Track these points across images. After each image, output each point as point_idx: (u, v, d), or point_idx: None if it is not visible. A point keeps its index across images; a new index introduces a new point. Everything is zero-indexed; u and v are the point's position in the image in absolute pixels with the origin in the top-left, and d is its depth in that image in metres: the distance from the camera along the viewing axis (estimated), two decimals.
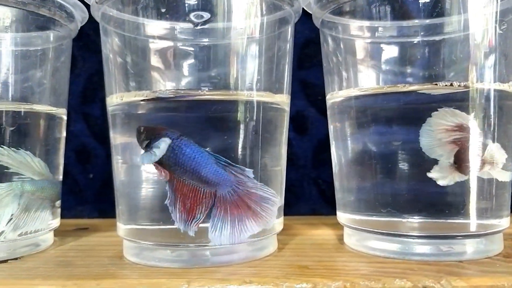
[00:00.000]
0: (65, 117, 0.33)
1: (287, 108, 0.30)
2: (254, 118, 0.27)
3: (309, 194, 0.46)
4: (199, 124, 0.27)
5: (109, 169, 0.45)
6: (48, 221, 0.31)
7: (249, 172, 0.27)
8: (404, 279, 0.24)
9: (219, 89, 0.28)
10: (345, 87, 0.31)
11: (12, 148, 0.29)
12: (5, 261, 0.29)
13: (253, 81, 0.28)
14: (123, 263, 0.29)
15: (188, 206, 0.27)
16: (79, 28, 0.34)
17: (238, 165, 0.26)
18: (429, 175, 0.28)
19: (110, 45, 0.30)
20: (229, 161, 0.26)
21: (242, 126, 0.27)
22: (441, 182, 0.27)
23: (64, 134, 0.34)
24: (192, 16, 0.27)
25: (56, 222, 0.33)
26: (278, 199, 0.28)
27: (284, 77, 0.29)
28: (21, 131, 0.30)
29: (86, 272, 0.27)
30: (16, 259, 0.30)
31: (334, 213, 0.33)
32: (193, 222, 0.27)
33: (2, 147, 0.28)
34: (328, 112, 0.33)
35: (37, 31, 0.31)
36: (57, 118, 0.32)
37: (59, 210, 0.33)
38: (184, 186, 0.27)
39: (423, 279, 0.24)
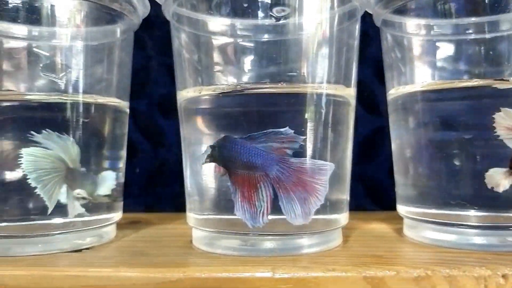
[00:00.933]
0: (128, 110, 0.34)
1: (354, 102, 0.31)
2: (325, 111, 0.28)
3: (355, 191, 0.47)
4: (274, 117, 0.28)
5: (155, 163, 0.46)
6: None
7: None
8: (483, 267, 0.25)
9: (294, 83, 0.28)
10: (408, 82, 0.32)
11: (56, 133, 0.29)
12: (79, 250, 0.30)
13: (328, 74, 0.28)
14: (197, 252, 0.29)
15: (246, 194, 0.27)
16: (140, 22, 0.34)
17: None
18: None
19: (184, 41, 0.30)
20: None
21: (314, 120, 0.28)
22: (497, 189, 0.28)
23: (127, 127, 0.34)
24: (274, 11, 0.27)
25: (118, 215, 0.33)
26: (328, 167, 0.27)
27: (352, 71, 0.30)
28: (90, 124, 0.30)
29: (166, 260, 0.27)
30: (87, 249, 0.30)
31: (379, 209, 0.34)
32: (258, 213, 0.27)
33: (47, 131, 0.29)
34: (390, 108, 0.34)
35: (106, 25, 0.32)
36: (122, 111, 0.33)
37: (121, 204, 0.34)
38: (238, 177, 0.28)
39: (501, 267, 0.25)
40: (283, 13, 0.27)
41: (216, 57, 0.30)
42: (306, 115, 0.28)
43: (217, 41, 0.30)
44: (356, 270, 0.25)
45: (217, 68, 0.30)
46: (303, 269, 0.25)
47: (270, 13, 0.27)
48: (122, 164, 0.33)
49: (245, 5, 0.28)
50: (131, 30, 0.33)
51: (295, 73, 0.28)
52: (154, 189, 0.47)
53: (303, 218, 0.27)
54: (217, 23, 0.30)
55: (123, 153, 0.33)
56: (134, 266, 0.26)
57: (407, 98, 0.32)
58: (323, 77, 0.28)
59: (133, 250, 0.30)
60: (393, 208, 0.34)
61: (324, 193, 0.27)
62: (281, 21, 0.28)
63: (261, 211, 0.27)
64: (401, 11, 0.33)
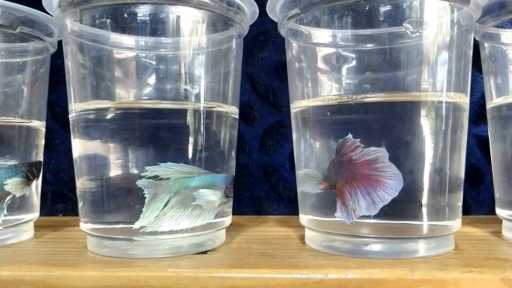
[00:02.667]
0: (237, 116, 0.35)
1: (467, 109, 0.32)
2: (445, 119, 0.29)
3: None
4: (391, 126, 0.29)
5: (236, 168, 0.47)
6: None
7: None
8: None
9: (409, 91, 0.29)
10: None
11: None
12: (205, 252, 0.31)
13: (447, 82, 0.29)
14: (315, 253, 0.31)
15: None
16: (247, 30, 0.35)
17: None
18: None
19: (299, 54, 0.31)
20: None
21: (434, 127, 0.29)
22: None
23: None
24: (407, 23, 0.28)
25: (229, 219, 0.34)
26: (383, 152, 0.28)
27: (468, 78, 0.31)
28: (211, 130, 0.31)
29: (294, 261, 0.29)
30: (212, 250, 0.31)
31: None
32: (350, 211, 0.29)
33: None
34: (489, 115, 0.35)
35: (222, 32, 0.33)
36: (233, 116, 0.34)
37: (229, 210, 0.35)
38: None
39: None
40: (419, 27, 0.29)
41: (332, 68, 0.31)
42: (427, 123, 0.29)
43: (331, 51, 0.32)
44: (492, 271, 0.26)
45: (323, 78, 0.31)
46: (441, 270, 0.26)
47: (404, 26, 0.28)
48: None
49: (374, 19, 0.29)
50: (242, 37, 0.34)
51: (414, 81, 0.29)
52: (235, 192, 0.48)
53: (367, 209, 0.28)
54: (339, 34, 0.31)
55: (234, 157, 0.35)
56: (275, 267, 0.27)
57: (508, 107, 0.33)
58: (442, 85, 0.29)
59: (256, 252, 0.31)
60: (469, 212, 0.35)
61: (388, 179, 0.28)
62: (417, 34, 0.29)
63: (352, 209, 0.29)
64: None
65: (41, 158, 0.37)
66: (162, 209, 0.30)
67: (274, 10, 0.34)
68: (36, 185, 0.36)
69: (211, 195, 0.31)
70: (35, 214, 0.37)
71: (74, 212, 0.49)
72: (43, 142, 0.37)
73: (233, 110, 0.33)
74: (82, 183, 0.32)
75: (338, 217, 0.29)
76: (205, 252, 0.31)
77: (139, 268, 0.27)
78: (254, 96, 0.48)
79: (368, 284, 0.26)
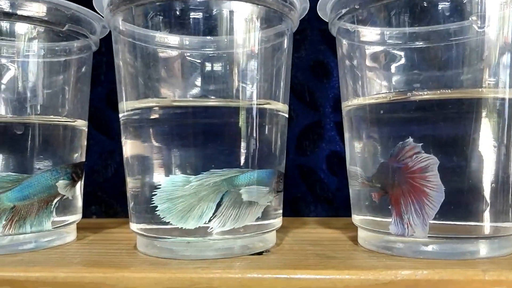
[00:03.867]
0: (287, 115, 0.35)
1: None
2: (507, 117, 0.28)
3: None
4: (447, 125, 0.28)
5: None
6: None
7: None
8: None
9: (468, 88, 0.29)
10: None
11: None
12: (260, 253, 0.30)
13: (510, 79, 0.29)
14: (372, 253, 0.30)
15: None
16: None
17: None
18: None
19: (350, 52, 0.32)
20: None
21: (495, 126, 0.28)
22: None
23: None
24: (474, 18, 0.28)
25: (280, 221, 0.33)
26: (434, 159, 0.28)
27: None
28: (263, 128, 0.31)
29: (361, 262, 0.28)
30: (267, 251, 0.31)
31: None
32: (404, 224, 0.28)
33: None
34: None
35: (274, 28, 0.32)
36: (284, 115, 0.34)
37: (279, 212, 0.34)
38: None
39: None
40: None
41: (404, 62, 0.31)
42: (489, 121, 0.28)
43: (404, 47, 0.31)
44: None
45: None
46: (510, 271, 0.25)
47: (472, 21, 0.28)
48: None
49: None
50: (292, 33, 0.34)
51: (473, 78, 0.28)
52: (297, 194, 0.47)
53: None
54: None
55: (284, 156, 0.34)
56: (327, 267, 0.27)
57: None
58: (505, 81, 0.29)
59: (309, 253, 0.31)
60: None
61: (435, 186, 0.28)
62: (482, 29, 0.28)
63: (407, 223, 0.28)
64: None
65: (84, 158, 0.36)
66: (214, 209, 0.29)
67: (324, 9, 0.34)
68: (80, 187, 0.36)
69: (260, 191, 0.30)
70: (79, 216, 0.36)
71: (107, 214, 0.48)
72: (85, 142, 0.37)
73: (285, 108, 0.33)
74: (134, 184, 0.31)
75: (392, 231, 0.29)
76: (260, 254, 0.30)
77: (200, 269, 0.27)
78: (290, 96, 0.47)
79: (440, 285, 0.25)
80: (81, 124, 0.36)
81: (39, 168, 0.32)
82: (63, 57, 0.34)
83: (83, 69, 0.36)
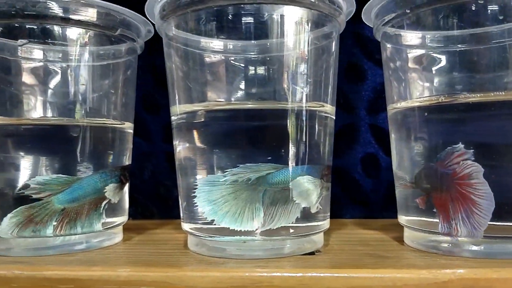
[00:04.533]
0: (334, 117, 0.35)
1: None
2: None
3: None
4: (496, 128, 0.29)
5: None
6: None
7: None
8: None
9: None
10: None
11: None
12: (312, 253, 0.31)
13: None
14: (422, 252, 0.31)
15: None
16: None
17: None
18: None
19: (395, 56, 0.33)
20: None
21: None
22: None
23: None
24: None
25: (328, 222, 0.34)
26: (478, 167, 0.28)
27: None
28: (313, 130, 0.31)
29: (415, 261, 0.29)
30: (318, 251, 0.31)
31: None
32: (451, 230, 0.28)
33: None
34: None
35: (319, 29, 0.33)
36: (333, 117, 0.34)
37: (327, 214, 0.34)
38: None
39: None
40: None
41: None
42: None
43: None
44: None
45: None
46: None
47: None
48: None
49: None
50: (339, 35, 0.34)
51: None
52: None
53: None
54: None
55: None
56: (386, 266, 0.27)
57: None
58: None
59: (361, 252, 0.31)
60: None
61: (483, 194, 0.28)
62: None
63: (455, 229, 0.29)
64: None
65: (130, 161, 0.37)
66: (262, 209, 0.30)
67: (369, 15, 0.34)
68: (127, 189, 0.36)
69: (308, 183, 0.30)
70: (125, 217, 0.37)
71: (143, 215, 0.49)
72: (131, 145, 0.37)
73: (333, 111, 0.33)
74: (187, 184, 0.31)
75: (441, 233, 0.29)
76: (312, 253, 0.31)
77: (260, 268, 0.27)
78: None
79: (498, 283, 0.26)
80: (128, 126, 0.36)
81: (89, 171, 0.33)
82: (112, 60, 0.35)
83: (130, 72, 0.36)
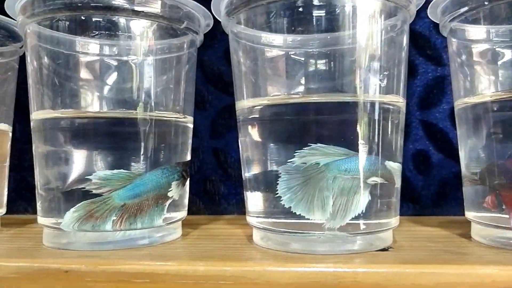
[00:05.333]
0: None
1: None
2: None
3: None
4: None
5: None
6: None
7: None
8: None
9: None
10: None
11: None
12: (385, 249, 0.30)
13: None
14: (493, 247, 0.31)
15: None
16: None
17: None
18: None
19: (461, 51, 0.32)
20: None
21: None
22: None
23: None
24: None
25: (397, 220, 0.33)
26: None
27: None
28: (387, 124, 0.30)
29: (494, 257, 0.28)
30: (391, 248, 0.31)
31: None
32: None
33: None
34: None
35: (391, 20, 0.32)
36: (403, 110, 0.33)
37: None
38: None
39: None
40: None
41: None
42: None
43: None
44: None
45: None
46: None
47: None
48: None
49: None
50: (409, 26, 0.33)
51: None
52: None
53: None
54: None
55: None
56: (473, 262, 0.27)
57: None
58: None
59: (433, 248, 0.31)
60: None
61: None
62: None
63: None
64: None
65: (190, 156, 0.36)
66: (328, 197, 0.29)
67: (435, 11, 0.34)
68: (187, 185, 0.36)
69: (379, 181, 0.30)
70: (185, 213, 0.36)
71: (190, 211, 0.48)
72: (191, 139, 0.37)
73: (404, 104, 0.32)
74: (252, 179, 0.31)
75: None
76: (384, 250, 0.30)
77: (341, 264, 0.27)
78: None
79: None
80: (189, 120, 0.36)
81: (151, 167, 0.32)
82: (175, 53, 0.35)
83: (191, 65, 0.36)
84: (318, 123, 0.30)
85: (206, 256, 0.29)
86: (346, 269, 0.26)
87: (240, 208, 0.48)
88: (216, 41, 0.48)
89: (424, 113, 0.46)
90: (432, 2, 0.34)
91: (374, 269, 0.26)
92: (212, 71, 0.48)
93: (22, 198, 0.49)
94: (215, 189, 0.48)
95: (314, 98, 0.30)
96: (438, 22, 0.35)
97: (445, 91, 0.46)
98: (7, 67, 0.39)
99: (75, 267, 0.28)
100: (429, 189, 0.46)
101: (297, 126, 0.30)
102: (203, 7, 0.34)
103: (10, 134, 0.40)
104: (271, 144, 0.31)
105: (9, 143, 0.40)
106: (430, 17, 0.35)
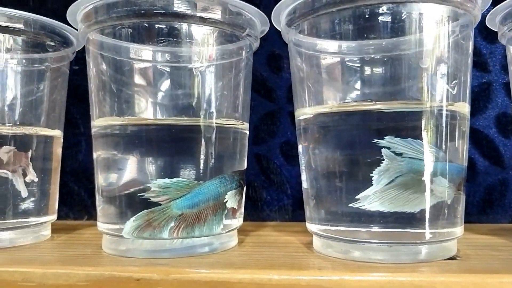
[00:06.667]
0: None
1: None
2: None
3: None
4: None
5: None
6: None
7: None
8: None
9: None
10: None
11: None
12: (453, 258, 0.30)
13: None
14: None
15: None
16: None
17: None
18: None
19: None
20: None
21: None
22: None
23: None
24: None
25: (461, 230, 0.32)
26: None
27: None
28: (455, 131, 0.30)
29: None
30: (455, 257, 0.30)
31: None
32: None
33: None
34: None
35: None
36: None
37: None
38: None
39: None
40: None
41: None
42: None
43: None
44: None
45: None
46: None
47: None
48: None
49: None
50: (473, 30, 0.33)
51: None
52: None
53: None
54: None
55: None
56: None
57: None
58: None
59: (500, 257, 0.31)
60: None
61: None
62: None
63: None
64: None
65: (246, 165, 0.36)
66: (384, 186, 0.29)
67: (494, 20, 0.34)
68: (244, 193, 0.36)
69: (446, 185, 0.30)
70: (241, 220, 0.36)
71: None
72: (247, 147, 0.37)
73: (468, 110, 0.32)
74: (316, 185, 0.31)
75: None
76: (452, 258, 0.30)
77: (417, 273, 0.27)
78: None
79: None
80: (247, 127, 0.36)
81: (210, 175, 0.32)
82: (234, 58, 0.35)
83: (248, 70, 0.36)
84: (388, 130, 0.30)
85: (275, 264, 0.29)
86: (423, 277, 0.26)
87: (282, 215, 0.48)
88: (259, 47, 0.47)
89: (470, 120, 0.46)
90: (492, 10, 0.34)
91: (452, 278, 0.26)
92: (255, 77, 0.48)
93: (64, 203, 0.49)
94: (258, 195, 0.48)
95: (386, 105, 0.30)
96: (496, 30, 0.35)
97: (490, 97, 0.46)
98: (59, 73, 0.39)
99: (147, 275, 0.28)
100: (475, 196, 0.46)
101: (367, 133, 0.30)
102: (263, 13, 0.34)
103: (62, 140, 0.40)
104: (338, 151, 0.30)
105: (61, 149, 0.40)
106: (488, 25, 0.35)
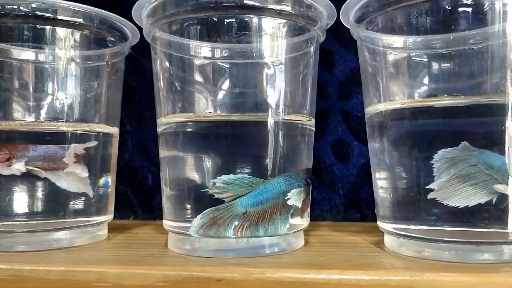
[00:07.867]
0: None
1: None
2: None
3: None
4: None
5: None
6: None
7: None
8: None
9: None
10: None
11: None
12: None
13: None
14: None
15: None
16: None
17: None
18: None
19: None
20: None
21: None
22: None
23: None
24: None
25: None
26: None
27: None
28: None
29: None
30: None
31: None
32: None
33: None
34: None
35: None
36: None
37: None
38: None
39: None
40: None
41: None
42: None
43: None
44: None
45: None
46: None
47: None
48: None
49: None
50: None
51: None
52: None
53: None
54: None
55: None
56: None
57: None
58: None
59: None
60: None
61: None
62: None
63: None
64: None
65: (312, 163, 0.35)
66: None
67: None
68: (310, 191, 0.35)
69: None
70: (308, 220, 0.35)
71: None
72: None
73: None
74: (395, 182, 0.31)
75: None
76: None
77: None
78: None
79: None
80: (313, 124, 0.35)
81: (278, 172, 0.31)
82: (302, 51, 0.34)
83: (313, 64, 0.35)
84: (467, 125, 0.29)
85: (359, 265, 0.28)
86: (485, 278, 0.26)
87: (334, 214, 0.47)
88: None
89: None
90: None
91: None
92: None
93: None
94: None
95: (465, 100, 0.29)
96: None
97: None
98: (116, 69, 0.38)
99: (228, 275, 0.27)
100: None
101: (447, 128, 0.29)
102: (333, 6, 0.33)
103: (118, 138, 0.39)
104: (415, 148, 0.30)
105: (117, 147, 0.39)
106: None
